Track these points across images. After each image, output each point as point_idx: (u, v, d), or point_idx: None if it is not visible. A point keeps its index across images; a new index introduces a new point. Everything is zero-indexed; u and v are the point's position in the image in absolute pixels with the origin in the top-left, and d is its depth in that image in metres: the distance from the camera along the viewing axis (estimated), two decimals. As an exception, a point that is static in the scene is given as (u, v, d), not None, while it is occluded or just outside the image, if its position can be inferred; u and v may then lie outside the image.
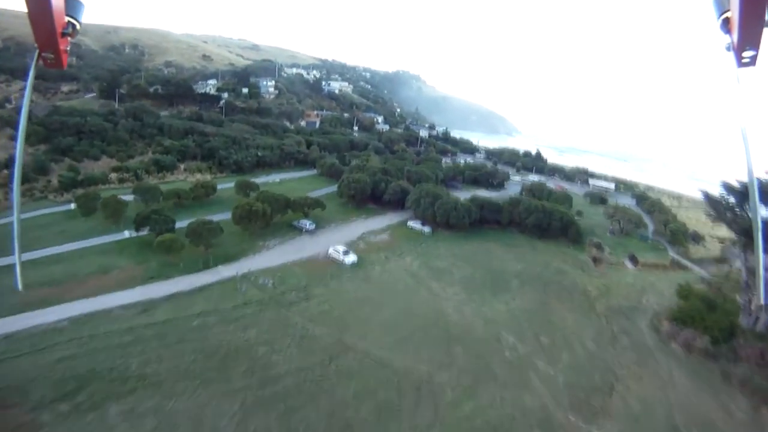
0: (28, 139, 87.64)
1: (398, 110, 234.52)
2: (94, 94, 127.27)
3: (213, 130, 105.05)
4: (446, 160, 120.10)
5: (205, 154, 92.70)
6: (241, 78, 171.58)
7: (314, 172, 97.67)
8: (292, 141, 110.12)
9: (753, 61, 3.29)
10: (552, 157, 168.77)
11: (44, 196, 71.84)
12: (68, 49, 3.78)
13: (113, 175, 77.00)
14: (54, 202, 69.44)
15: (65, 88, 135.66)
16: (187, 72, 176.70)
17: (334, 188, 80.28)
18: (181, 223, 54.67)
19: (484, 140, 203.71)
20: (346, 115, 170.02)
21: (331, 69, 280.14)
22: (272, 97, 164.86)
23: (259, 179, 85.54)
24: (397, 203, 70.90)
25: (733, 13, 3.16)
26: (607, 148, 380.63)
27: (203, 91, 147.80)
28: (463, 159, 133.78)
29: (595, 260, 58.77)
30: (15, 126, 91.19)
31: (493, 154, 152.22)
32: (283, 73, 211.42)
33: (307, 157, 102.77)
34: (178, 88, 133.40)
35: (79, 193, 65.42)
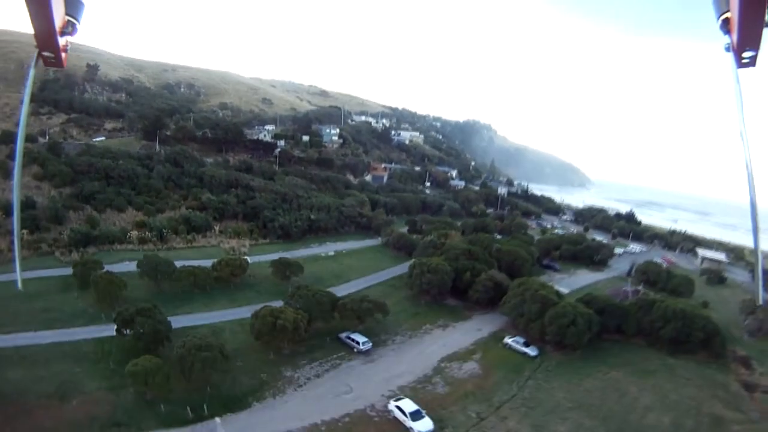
0: (53, 180, 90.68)
1: (473, 163, 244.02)
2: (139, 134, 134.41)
3: (261, 183, 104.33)
4: (532, 224, 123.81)
5: (248, 213, 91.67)
6: (303, 124, 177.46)
7: (378, 241, 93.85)
8: (354, 200, 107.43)
9: (753, 61, 3.93)
10: (626, 207, 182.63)
11: (51, 252, 71.97)
12: (68, 47, 4.44)
13: (134, 234, 76.77)
14: (59, 261, 69.05)
15: (109, 125, 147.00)
16: (243, 116, 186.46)
17: (402, 267, 75.13)
18: (190, 321, 51.30)
19: (560, 193, 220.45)
20: (417, 168, 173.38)
21: (401, 117, 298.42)
22: (336, 146, 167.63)
23: (309, 250, 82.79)
24: (488, 301, 64.75)
25: (733, 14, 3.74)
26: (685, 199, 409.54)
27: (257, 137, 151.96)
28: (549, 222, 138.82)
29: (747, 386, 51.84)
30: (42, 163, 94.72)
31: (581, 216, 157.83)
32: (350, 121, 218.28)
33: (371, 222, 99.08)
34: (227, 133, 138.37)
35: (79, 260, 64.15)
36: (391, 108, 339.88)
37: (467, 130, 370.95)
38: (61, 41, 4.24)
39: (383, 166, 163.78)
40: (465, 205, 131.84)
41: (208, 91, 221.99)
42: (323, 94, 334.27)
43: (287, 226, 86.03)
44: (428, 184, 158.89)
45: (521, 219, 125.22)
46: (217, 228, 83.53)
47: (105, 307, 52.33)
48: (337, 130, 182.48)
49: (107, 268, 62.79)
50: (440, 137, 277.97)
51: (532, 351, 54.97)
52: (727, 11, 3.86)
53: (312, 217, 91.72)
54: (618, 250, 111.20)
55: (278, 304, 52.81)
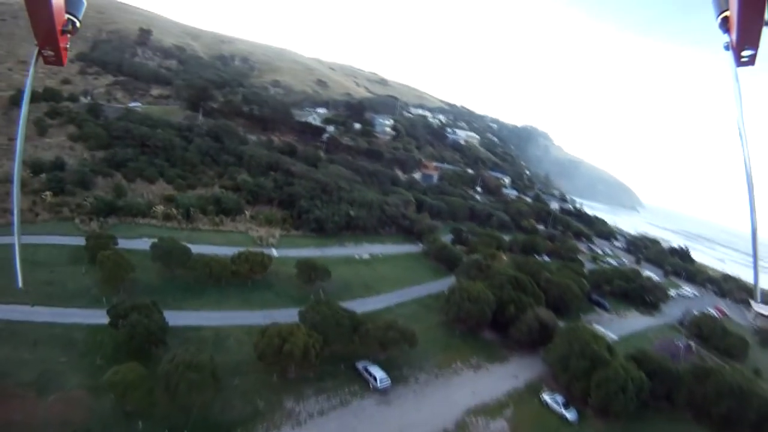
0: (87, 142, 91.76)
1: (527, 172, 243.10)
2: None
3: (303, 170, 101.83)
4: (583, 248, 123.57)
5: (284, 200, 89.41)
6: (356, 111, 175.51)
7: (419, 248, 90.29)
8: (398, 199, 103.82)
9: (752, 60, 4.10)
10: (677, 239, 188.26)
11: (72, 218, 71.99)
12: (68, 46, 4.61)
13: (159, 208, 75.38)
14: (77, 229, 68.92)
15: (155, 91, 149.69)
16: (295, 96, 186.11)
17: (441, 283, 71.85)
18: (195, 319, 49.20)
19: (611, 214, 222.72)
20: (470, 171, 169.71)
21: (458, 115, 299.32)
22: (388, 138, 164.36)
23: (343, 249, 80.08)
24: (530, 342, 60.58)
25: (732, 13, 3.91)
26: (738, 237, 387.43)
27: (306, 119, 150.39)
28: (600, 248, 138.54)
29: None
30: (78, 123, 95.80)
31: (634, 245, 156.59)
32: (405, 113, 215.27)
33: (414, 226, 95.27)
34: (275, 112, 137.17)
35: (96, 230, 64.07)
36: (449, 104, 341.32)
37: (524, 135, 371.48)
38: (62, 40, 4.46)
39: (435, 164, 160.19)
40: (515, 217, 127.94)
41: (262, 66, 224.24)
42: (382, 82, 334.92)
43: (323, 220, 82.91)
44: (479, 189, 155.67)
45: (573, 242, 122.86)
46: (248, 213, 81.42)
47: (109, 290, 51.02)
48: (391, 121, 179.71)
49: (123, 243, 62.62)
50: (496, 140, 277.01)
51: (571, 414, 50.39)
52: (726, 10, 4.03)
53: (351, 213, 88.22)
54: (671, 292, 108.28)
55: (295, 313, 50.11)
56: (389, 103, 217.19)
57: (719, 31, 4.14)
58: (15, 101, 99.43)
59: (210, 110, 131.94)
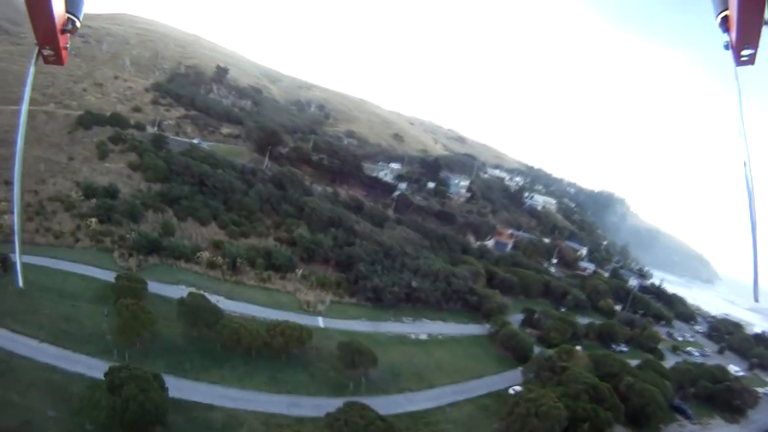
0: (146, 173, 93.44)
1: (604, 242, 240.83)
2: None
3: (366, 229, 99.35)
4: (662, 334, 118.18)
5: (342, 262, 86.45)
6: (431, 169, 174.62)
7: (485, 330, 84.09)
8: (467, 270, 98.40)
9: (751, 59, 4.44)
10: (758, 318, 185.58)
11: (112, 249, 72.33)
12: (68, 45, 4.95)
13: (204, 255, 74.33)
14: (114, 263, 68.88)
15: (225, 129, 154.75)
16: (369, 148, 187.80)
17: (505, 378, 67.08)
18: (210, 395, 45.91)
19: (687, 288, 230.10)
20: (546, 240, 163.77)
21: (535, 178, 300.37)
22: (462, 200, 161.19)
23: (399, 326, 75.60)
24: None
25: (732, 12, 4.20)
26: None
27: (377, 174, 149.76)
28: (680, 333, 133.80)
29: None
30: (140, 153, 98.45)
31: (716, 330, 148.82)
32: (482, 173, 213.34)
33: (482, 303, 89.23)
34: (344, 164, 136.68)
35: (133, 266, 64.67)
36: (526, 166, 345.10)
37: (600, 201, 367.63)
38: (62, 39, 4.73)
39: (510, 232, 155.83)
40: (592, 296, 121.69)
41: (338, 115, 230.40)
42: (460, 140, 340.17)
43: (381, 289, 79.05)
44: (555, 261, 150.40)
45: (653, 330, 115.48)
46: (299, 271, 78.74)
47: (124, 341, 49.45)
48: (467, 182, 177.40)
49: (157, 288, 62.30)
50: (573, 206, 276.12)
51: None
52: (726, 9, 4.32)
53: (414, 284, 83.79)
54: (759, 390, 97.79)
55: (328, 404, 46.57)
56: (466, 162, 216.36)
57: (719, 30, 4.48)
58: (82, 122, 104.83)
59: (278, 155, 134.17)
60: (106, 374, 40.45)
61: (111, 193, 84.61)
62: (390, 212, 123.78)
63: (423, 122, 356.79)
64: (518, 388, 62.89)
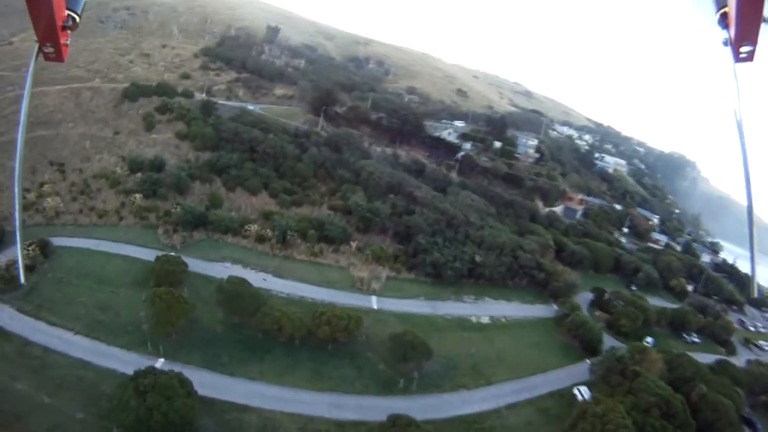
0: (194, 142, 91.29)
1: (676, 211, 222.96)
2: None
3: (428, 195, 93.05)
4: (734, 322, 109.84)
5: (400, 232, 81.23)
6: (497, 127, 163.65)
7: (552, 312, 77.66)
8: (535, 242, 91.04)
9: (750, 56, 4.66)
10: None
11: (156, 226, 70.89)
12: (68, 42, 5.17)
13: (253, 228, 71.02)
14: (158, 241, 67.27)
15: (279, 90, 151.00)
16: (431, 105, 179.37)
17: (570, 373, 61.98)
18: (244, 393, 43.74)
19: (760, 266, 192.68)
20: (617, 207, 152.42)
21: (604, 136, 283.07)
22: (530, 161, 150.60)
23: (459, 306, 70.12)
24: None
25: (731, 9, 4.47)
26: None
27: (440, 133, 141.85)
28: (752, 322, 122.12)
29: None
30: (188, 121, 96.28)
31: None
32: (551, 131, 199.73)
33: (550, 280, 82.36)
34: (405, 123, 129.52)
35: (178, 243, 62.69)
36: (595, 123, 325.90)
37: (671, 164, 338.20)
38: (62, 36, 4.95)
39: (580, 197, 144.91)
40: (664, 273, 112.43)
41: (398, 71, 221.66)
42: (527, 94, 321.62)
43: (442, 265, 73.39)
44: (626, 230, 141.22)
45: (727, 319, 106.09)
46: (354, 244, 74.17)
47: (159, 331, 47.84)
48: (535, 142, 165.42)
49: (200, 266, 60.66)
50: (643, 168, 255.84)
51: None
52: (726, 6, 4.56)
53: (477, 258, 77.54)
54: None
55: (375, 404, 45.03)
56: (534, 120, 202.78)
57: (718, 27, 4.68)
58: (127, 94, 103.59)
59: (334, 115, 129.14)
60: (131, 378, 38.46)
61: (157, 165, 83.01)
62: (453, 175, 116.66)
63: (487, 76, 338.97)
64: (583, 388, 58.36)
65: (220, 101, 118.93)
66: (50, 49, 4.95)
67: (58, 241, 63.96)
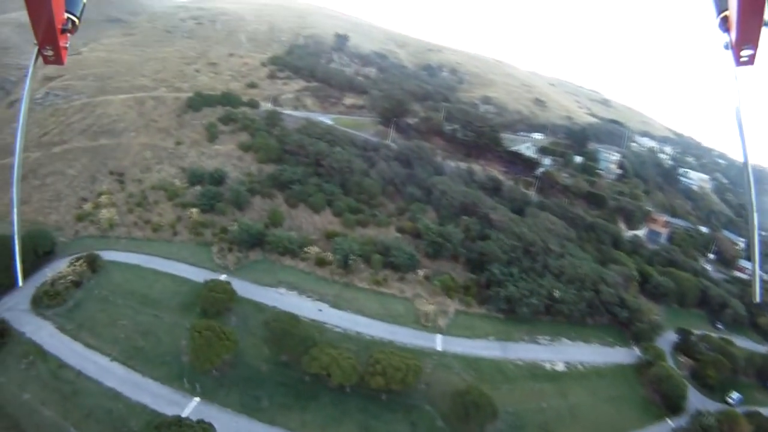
0: (257, 154, 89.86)
1: (763, 233, 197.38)
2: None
3: (504, 218, 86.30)
4: None
5: (473, 260, 74.95)
6: (578, 140, 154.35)
7: (633, 357, 71.01)
8: (618, 273, 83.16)
9: (751, 60, 4.81)
10: None
11: (211, 243, 68.60)
12: (68, 45, 5.36)
13: (313, 250, 67.37)
14: (211, 260, 64.93)
15: (348, 100, 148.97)
16: (508, 116, 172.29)
17: None
18: None
19: None
20: (703, 230, 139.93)
21: (686, 148, 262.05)
22: (611, 178, 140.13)
23: (532, 349, 63.76)
24: None
25: (732, 12, 4.61)
26: None
27: (517, 147, 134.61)
28: None
29: None
30: (252, 132, 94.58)
31: None
32: (632, 144, 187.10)
33: (633, 318, 75.56)
34: (480, 136, 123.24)
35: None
36: (676, 134, 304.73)
37: (755, 176, 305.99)
38: (61, 39, 5.09)
39: (665, 219, 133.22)
40: (752, 308, 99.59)
41: (472, 79, 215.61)
42: (604, 103, 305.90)
43: (516, 300, 66.78)
44: (712, 256, 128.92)
45: None
46: (421, 272, 68.77)
47: (198, 367, 45.53)
48: (617, 156, 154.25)
49: (253, 292, 57.87)
50: (726, 183, 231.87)
51: None
52: (726, 10, 4.74)
53: (556, 294, 70.25)
54: None
55: None
56: (615, 131, 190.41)
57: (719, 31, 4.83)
58: (191, 104, 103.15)
59: (405, 127, 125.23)
60: (155, 427, 35.29)
61: (217, 178, 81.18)
62: (532, 193, 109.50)
63: (563, 83, 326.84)
64: None
65: (287, 111, 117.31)
66: (50, 52, 5.12)
67: (108, 255, 63.25)
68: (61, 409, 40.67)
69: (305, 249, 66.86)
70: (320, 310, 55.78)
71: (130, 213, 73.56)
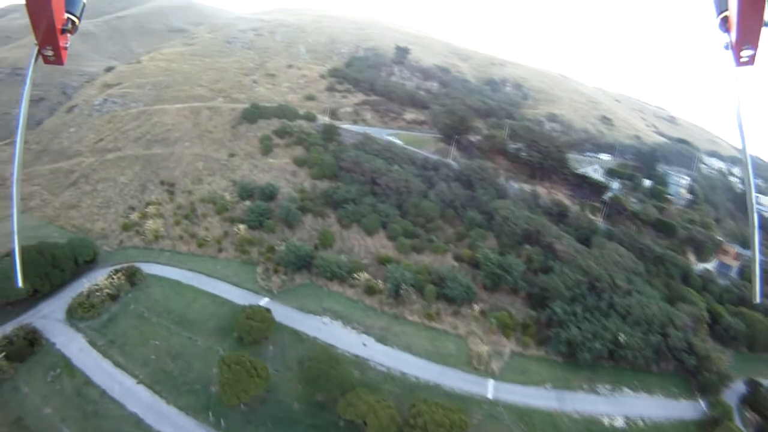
0: (312, 170, 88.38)
1: None
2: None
3: (569, 248, 79.86)
4: None
5: (533, 295, 69.32)
6: (646, 161, 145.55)
7: (699, 411, 63.12)
8: (688, 314, 74.87)
9: (751, 60, 4.86)
10: None
11: (257, 263, 66.58)
12: (68, 45, 5.42)
13: (362, 276, 63.48)
14: (255, 282, 62.25)
15: (409, 115, 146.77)
16: (574, 134, 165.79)
17: None
18: None
19: None
20: None
21: (756, 170, 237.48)
22: (681, 204, 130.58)
23: (590, 400, 56.85)
24: None
25: (732, 13, 4.66)
26: None
27: (584, 170, 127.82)
28: None
29: None
30: (307, 146, 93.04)
31: None
32: (701, 166, 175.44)
33: (700, 367, 67.51)
34: (545, 157, 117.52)
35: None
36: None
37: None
38: (61, 39, 5.15)
39: (736, 250, 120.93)
40: None
41: (537, 95, 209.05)
42: (671, 120, 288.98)
43: (578, 344, 60.42)
44: None
45: None
46: (477, 307, 63.47)
47: (226, 401, 42.97)
48: (687, 180, 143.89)
49: (294, 319, 54.80)
50: None
51: None
52: (726, 10, 4.79)
53: (621, 339, 63.48)
54: None
55: None
56: (684, 152, 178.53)
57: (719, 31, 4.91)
58: (246, 115, 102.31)
59: (467, 144, 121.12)
60: None
61: (268, 193, 79.26)
62: (599, 220, 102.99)
63: (628, 99, 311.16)
64: None
65: (345, 125, 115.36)
66: (50, 53, 5.17)
67: (150, 268, 62.25)
68: (80, 429, 39.87)
69: (354, 275, 63.11)
70: (364, 345, 51.84)
71: (177, 225, 72.54)
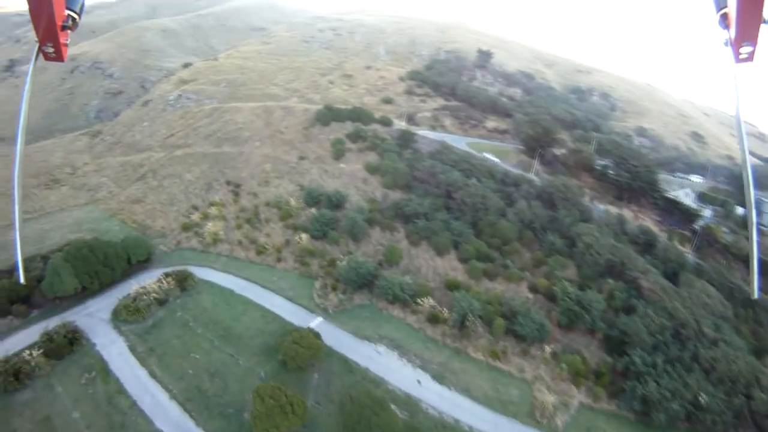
0: (383, 178, 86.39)
1: None
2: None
3: (656, 285, 71.31)
4: None
5: (612, 338, 61.88)
6: (739, 185, 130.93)
7: None
8: None
9: (750, 57, 4.96)
10: None
11: (316, 277, 63.77)
12: (68, 42, 5.50)
13: (427, 303, 58.58)
14: (312, 298, 59.43)
15: (491, 123, 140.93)
16: (664, 151, 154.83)
17: None
18: None
19: None
20: None
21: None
22: None
23: None
24: None
25: (731, 10, 4.74)
26: None
27: (674, 194, 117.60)
28: None
29: None
30: (380, 153, 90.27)
31: None
32: None
33: None
34: (634, 177, 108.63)
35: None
36: None
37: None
38: (62, 36, 5.24)
39: None
40: None
41: (626, 106, 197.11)
42: (761, 138, 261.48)
43: (655, 402, 52.88)
44: None
45: None
46: (549, 348, 56.98)
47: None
48: None
49: (347, 346, 51.06)
50: None
51: None
52: (726, 7, 4.86)
53: (702, 399, 55.04)
54: None
55: None
56: None
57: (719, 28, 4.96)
58: (320, 117, 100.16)
59: (551, 159, 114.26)
60: None
61: (335, 201, 76.42)
62: (688, 252, 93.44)
63: (717, 113, 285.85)
64: None
65: (422, 131, 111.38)
66: (50, 49, 5.27)
67: (204, 273, 60.90)
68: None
69: (419, 300, 58.49)
70: (419, 382, 47.25)
71: (238, 229, 70.97)
